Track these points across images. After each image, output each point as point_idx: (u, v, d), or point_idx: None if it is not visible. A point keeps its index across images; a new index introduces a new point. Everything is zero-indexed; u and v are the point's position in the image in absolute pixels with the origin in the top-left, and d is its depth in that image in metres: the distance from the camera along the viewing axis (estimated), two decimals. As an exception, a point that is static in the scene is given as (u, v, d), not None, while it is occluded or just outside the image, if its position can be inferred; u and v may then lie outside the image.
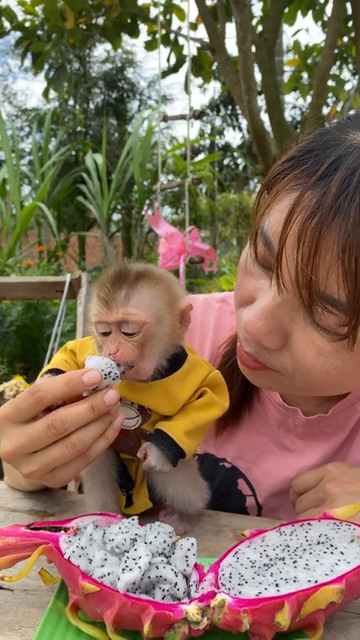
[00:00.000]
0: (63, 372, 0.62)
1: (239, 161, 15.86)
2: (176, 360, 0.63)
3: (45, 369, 0.66)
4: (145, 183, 8.19)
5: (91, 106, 11.19)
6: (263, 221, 0.59)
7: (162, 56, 4.58)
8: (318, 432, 0.76)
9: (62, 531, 0.53)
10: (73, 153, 9.80)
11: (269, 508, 0.80)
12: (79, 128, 10.78)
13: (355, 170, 0.51)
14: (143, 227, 8.37)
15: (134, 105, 11.52)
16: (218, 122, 15.30)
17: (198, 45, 4.23)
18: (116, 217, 9.38)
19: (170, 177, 8.85)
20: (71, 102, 9.99)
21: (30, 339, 4.28)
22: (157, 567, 0.48)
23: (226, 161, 15.38)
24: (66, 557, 0.49)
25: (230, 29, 4.20)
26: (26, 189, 9.26)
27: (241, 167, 15.50)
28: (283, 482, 0.77)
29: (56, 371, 0.63)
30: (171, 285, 0.59)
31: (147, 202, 8.50)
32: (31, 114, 11.30)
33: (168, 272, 0.62)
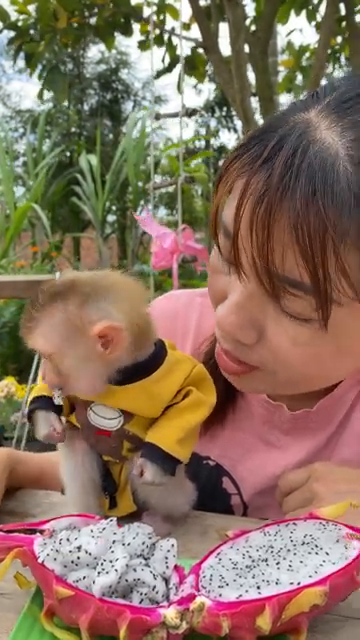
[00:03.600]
0: (49, 398, 0.61)
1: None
2: (154, 360, 0.60)
3: (33, 394, 0.65)
4: (139, 184, 8.17)
5: (85, 107, 11.17)
6: (220, 213, 0.58)
7: (156, 56, 4.56)
8: (304, 428, 0.75)
9: (37, 533, 0.51)
10: (67, 154, 9.78)
11: (255, 507, 0.78)
12: (73, 129, 10.76)
13: (297, 149, 0.50)
14: (138, 228, 8.35)
15: (128, 106, 11.51)
16: (213, 123, 15.29)
17: (192, 44, 4.23)
18: (111, 218, 9.36)
19: (164, 178, 8.83)
20: (65, 103, 9.97)
21: (23, 340, 4.25)
22: (135, 570, 0.46)
23: (221, 162, 15.36)
24: (40, 561, 0.47)
25: (223, 29, 4.20)
26: (20, 190, 9.24)
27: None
28: (269, 479, 0.75)
29: (45, 400, 0.62)
30: (80, 310, 0.55)
31: (141, 203, 8.49)
32: (25, 115, 11.28)
33: (101, 283, 0.57)
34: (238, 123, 14.98)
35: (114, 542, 0.48)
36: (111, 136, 11.11)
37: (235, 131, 15.57)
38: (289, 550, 0.47)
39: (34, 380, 1.81)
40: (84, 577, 0.45)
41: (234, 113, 13.88)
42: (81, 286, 0.56)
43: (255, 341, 0.58)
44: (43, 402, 0.63)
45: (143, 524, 0.51)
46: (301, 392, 0.66)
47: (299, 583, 0.42)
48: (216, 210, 0.59)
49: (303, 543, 0.48)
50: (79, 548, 0.47)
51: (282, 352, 0.57)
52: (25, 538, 0.50)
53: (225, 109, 14.26)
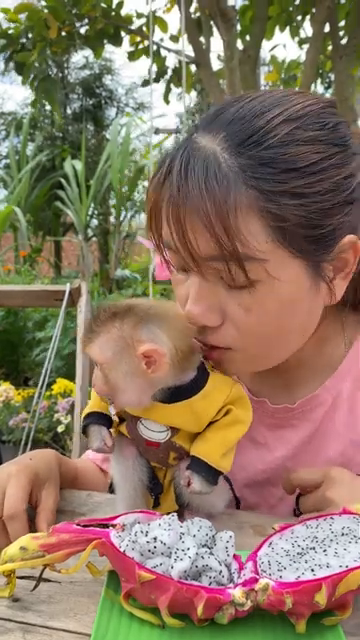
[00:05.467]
0: (103, 415, 0.70)
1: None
2: (197, 382, 0.68)
3: (86, 410, 0.73)
4: (124, 189, 8.23)
5: (68, 111, 11.18)
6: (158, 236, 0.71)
7: (143, 65, 4.62)
8: (285, 424, 0.82)
9: (110, 527, 0.59)
10: (50, 158, 9.79)
11: (247, 503, 0.85)
12: (56, 133, 10.76)
13: (182, 162, 0.64)
14: (121, 233, 8.41)
15: (112, 112, 11.57)
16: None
17: (181, 57, 4.31)
18: (93, 223, 9.40)
19: (146, 183, 8.90)
20: (48, 107, 9.99)
21: (10, 345, 4.28)
22: (203, 557, 0.54)
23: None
24: (121, 550, 0.54)
25: (212, 43, 4.30)
26: (2, 193, 9.21)
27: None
28: (256, 474, 0.84)
29: (97, 415, 0.70)
30: (133, 330, 0.63)
31: (122, 208, 8.56)
32: (8, 118, 11.24)
33: (155, 312, 0.65)
34: (218, 130, 15.12)
35: (182, 534, 0.56)
36: (93, 141, 11.13)
37: (215, 138, 15.73)
38: (332, 540, 0.56)
39: (42, 387, 1.87)
40: (160, 564, 0.53)
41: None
42: (137, 310, 0.64)
43: (220, 322, 0.68)
44: (95, 417, 0.71)
45: (203, 519, 0.59)
46: (276, 362, 0.75)
47: (347, 566, 0.51)
48: (151, 234, 0.71)
49: (343, 534, 0.56)
50: (155, 539, 0.54)
51: (242, 322, 0.67)
52: (101, 531, 0.57)
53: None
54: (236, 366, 0.73)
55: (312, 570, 0.51)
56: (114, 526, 0.59)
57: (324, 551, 0.54)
